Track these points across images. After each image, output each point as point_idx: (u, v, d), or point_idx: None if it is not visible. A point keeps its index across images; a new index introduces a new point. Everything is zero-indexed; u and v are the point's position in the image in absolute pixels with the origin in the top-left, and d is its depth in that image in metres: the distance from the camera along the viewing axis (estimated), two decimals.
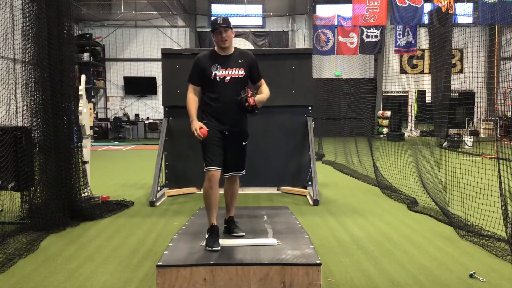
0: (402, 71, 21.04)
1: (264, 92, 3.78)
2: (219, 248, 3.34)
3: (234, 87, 3.66)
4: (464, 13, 16.60)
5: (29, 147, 4.82)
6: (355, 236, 4.57)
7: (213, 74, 3.63)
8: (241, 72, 3.69)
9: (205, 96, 3.70)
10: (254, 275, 3.02)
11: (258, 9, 20.67)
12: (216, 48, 3.75)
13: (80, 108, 5.67)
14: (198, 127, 3.53)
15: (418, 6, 14.99)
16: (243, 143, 3.79)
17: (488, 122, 17.38)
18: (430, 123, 16.67)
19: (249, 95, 3.59)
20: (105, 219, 5.31)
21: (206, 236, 3.47)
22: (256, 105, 3.59)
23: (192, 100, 3.69)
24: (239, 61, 3.71)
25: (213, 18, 3.61)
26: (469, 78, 9.48)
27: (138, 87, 20.65)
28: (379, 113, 19.62)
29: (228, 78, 3.65)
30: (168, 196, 6.73)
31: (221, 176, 3.63)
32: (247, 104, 3.57)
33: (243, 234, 3.70)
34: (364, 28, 16.76)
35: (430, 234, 4.62)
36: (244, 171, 3.83)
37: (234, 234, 3.71)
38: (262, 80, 3.88)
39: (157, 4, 17.80)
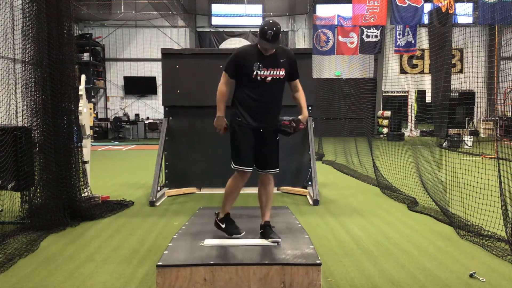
0: (402, 71, 21.04)
1: (302, 98, 3.81)
2: (243, 232, 3.55)
3: (274, 87, 3.62)
4: (464, 13, 16.60)
5: (29, 147, 4.82)
6: (355, 236, 4.57)
7: (254, 73, 3.53)
8: (282, 72, 3.61)
9: (244, 93, 3.61)
10: (254, 275, 3.02)
11: (258, 9, 20.66)
12: (259, 43, 3.58)
13: (80, 108, 5.66)
14: (223, 126, 3.63)
15: (418, 6, 14.99)
16: (277, 138, 3.77)
17: (488, 122, 17.38)
18: (430, 123, 16.66)
19: (295, 122, 3.69)
20: (105, 219, 5.31)
21: (223, 226, 3.59)
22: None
23: (224, 94, 3.63)
24: (281, 60, 3.60)
25: (265, 27, 3.44)
26: (469, 78, 9.45)
27: (138, 87, 20.65)
28: (379, 113, 19.62)
29: (269, 78, 3.57)
30: (168, 196, 6.73)
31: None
32: (293, 129, 3.70)
33: (279, 239, 3.51)
34: (364, 28, 16.76)
35: (430, 234, 4.62)
36: (278, 169, 3.77)
37: (270, 239, 3.53)
38: (297, 80, 3.81)
39: (157, 4, 17.81)
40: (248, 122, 3.60)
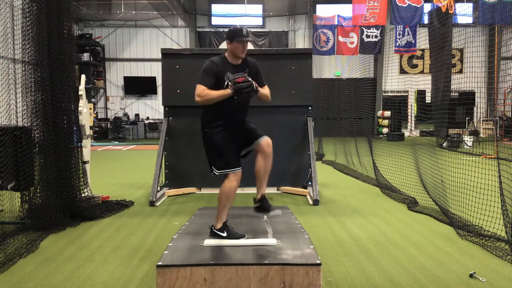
0: (402, 71, 21.04)
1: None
2: (246, 235, 3.63)
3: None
4: (464, 13, 16.61)
5: (29, 147, 4.82)
6: (355, 236, 4.57)
7: (225, 83, 3.62)
8: None
9: (215, 105, 3.64)
10: (254, 275, 3.02)
11: (258, 9, 20.67)
12: (227, 54, 3.73)
13: (80, 108, 5.67)
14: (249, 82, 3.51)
15: (418, 6, 15.01)
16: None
17: (488, 122, 17.38)
18: (430, 123, 16.66)
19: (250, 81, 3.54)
20: (105, 219, 5.31)
21: (224, 235, 3.59)
22: (257, 91, 3.59)
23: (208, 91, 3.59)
24: (247, 69, 3.74)
25: (237, 27, 3.69)
26: (469, 78, 9.45)
27: (138, 87, 20.65)
28: (379, 113, 19.62)
29: None
30: (168, 196, 6.73)
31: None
32: (253, 89, 3.52)
33: (280, 212, 3.78)
34: (364, 28, 16.77)
35: (430, 234, 4.62)
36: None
37: (271, 213, 3.69)
38: (266, 86, 3.87)
39: (157, 4, 17.80)
40: (223, 127, 3.67)
